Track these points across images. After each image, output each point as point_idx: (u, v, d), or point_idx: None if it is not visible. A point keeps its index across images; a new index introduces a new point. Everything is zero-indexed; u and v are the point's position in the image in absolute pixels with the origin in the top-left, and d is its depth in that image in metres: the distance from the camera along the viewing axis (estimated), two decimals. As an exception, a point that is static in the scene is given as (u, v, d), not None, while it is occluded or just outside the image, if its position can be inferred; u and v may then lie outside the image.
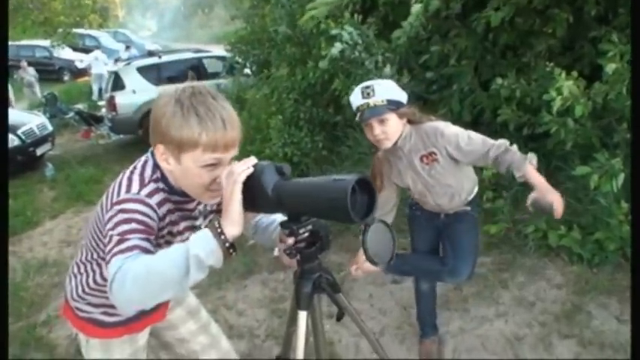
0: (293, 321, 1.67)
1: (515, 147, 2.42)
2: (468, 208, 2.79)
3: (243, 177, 1.38)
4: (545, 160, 4.50)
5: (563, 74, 3.59)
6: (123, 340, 1.98)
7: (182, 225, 1.69)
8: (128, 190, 1.51)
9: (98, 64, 16.24)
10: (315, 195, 1.34)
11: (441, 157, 2.52)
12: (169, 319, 2.16)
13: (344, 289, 3.97)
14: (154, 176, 1.57)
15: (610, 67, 3.44)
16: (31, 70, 16.73)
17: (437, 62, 4.95)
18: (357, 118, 2.48)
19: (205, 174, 1.50)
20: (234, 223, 1.35)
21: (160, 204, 1.56)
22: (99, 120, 11.84)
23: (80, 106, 13.83)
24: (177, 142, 1.46)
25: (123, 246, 1.38)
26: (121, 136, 11.08)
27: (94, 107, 13.99)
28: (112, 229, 1.43)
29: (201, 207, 1.76)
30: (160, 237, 1.59)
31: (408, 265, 2.98)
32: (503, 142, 2.42)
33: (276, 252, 1.71)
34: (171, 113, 1.45)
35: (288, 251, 1.53)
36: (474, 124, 4.67)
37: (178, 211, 1.65)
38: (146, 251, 1.39)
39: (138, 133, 10.34)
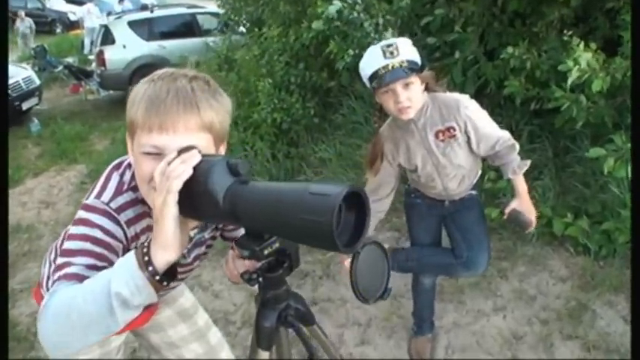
0: (254, 354, 1.34)
1: (517, 145, 2.29)
2: (474, 192, 2.50)
3: (178, 184, 1.01)
4: (552, 139, 4.19)
5: (582, 45, 3.24)
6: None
7: None
8: (100, 195, 1.26)
9: (90, 18, 15.70)
10: (283, 212, 0.95)
11: (459, 134, 2.21)
12: (155, 319, 1.88)
13: (330, 273, 3.69)
14: (134, 182, 1.28)
15: (634, 41, 3.09)
16: (28, 22, 16.35)
17: (440, 27, 4.59)
18: (373, 84, 2.10)
19: (144, 163, 1.16)
20: (166, 247, 1.02)
21: (135, 220, 1.29)
22: (88, 75, 11.46)
23: (70, 60, 13.43)
24: (127, 125, 1.20)
25: (62, 272, 1.13)
26: (111, 92, 10.71)
27: (84, 61, 13.57)
28: (67, 239, 1.21)
29: (192, 233, 1.42)
30: None
31: (413, 262, 2.62)
32: (509, 136, 2.27)
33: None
34: (130, 96, 1.20)
35: (247, 277, 1.20)
36: (476, 96, 4.33)
37: None
38: (83, 280, 1.11)
39: (128, 90, 10.00)
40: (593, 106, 3.45)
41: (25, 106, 9.61)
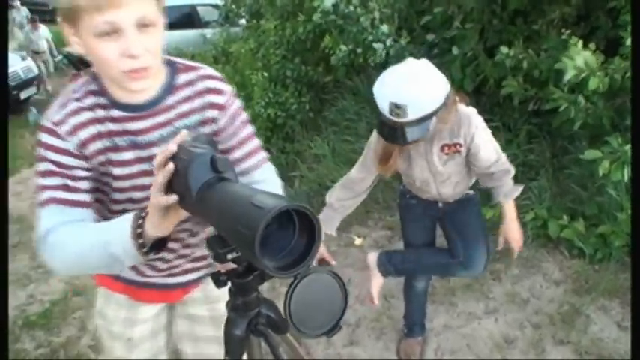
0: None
1: (513, 170, 2.26)
2: (471, 192, 2.46)
3: (164, 176, 1.06)
4: (550, 139, 4.12)
5: (580, 44, 3.17)
6: (120, 302, 1.65)
7: (127, 155, 1.32)
8: (49, 113, 1.28)
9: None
10: (227, 219, 0.95)
11: (463, 149, 2.16)
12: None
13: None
14: (84, 89, 1.29)
15: (633, 42, 3.01)
16: (24, 11, 16.24)
17: (440, 24, 4.51)
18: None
19: (107, 48, 1.15)
20: (154, 227, 1.12)
21: (79, 128, 1.27)
22: (88, 64, 11.30)
23: (70, 49, 13.33)
24: (67, 11, 1.17)
25: (42, 198, 1.25)
26: (110, 81, 10.63)
27: (84, 50, 13.49)
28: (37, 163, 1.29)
29: (161, 131, 1.32)
30: (95, 169, 1.31)
31: (409, 263, 2.55)
32: (506, 160, 2.23)
33: None
34: None
35: (214, 277, 1.15)
36: (475, 94, 4.26)
37: (120, 135, 1.30)
38: (61, 202, 1.24)
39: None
40: (592, 107, 3.39)
41: (23, 95, 9.60)
